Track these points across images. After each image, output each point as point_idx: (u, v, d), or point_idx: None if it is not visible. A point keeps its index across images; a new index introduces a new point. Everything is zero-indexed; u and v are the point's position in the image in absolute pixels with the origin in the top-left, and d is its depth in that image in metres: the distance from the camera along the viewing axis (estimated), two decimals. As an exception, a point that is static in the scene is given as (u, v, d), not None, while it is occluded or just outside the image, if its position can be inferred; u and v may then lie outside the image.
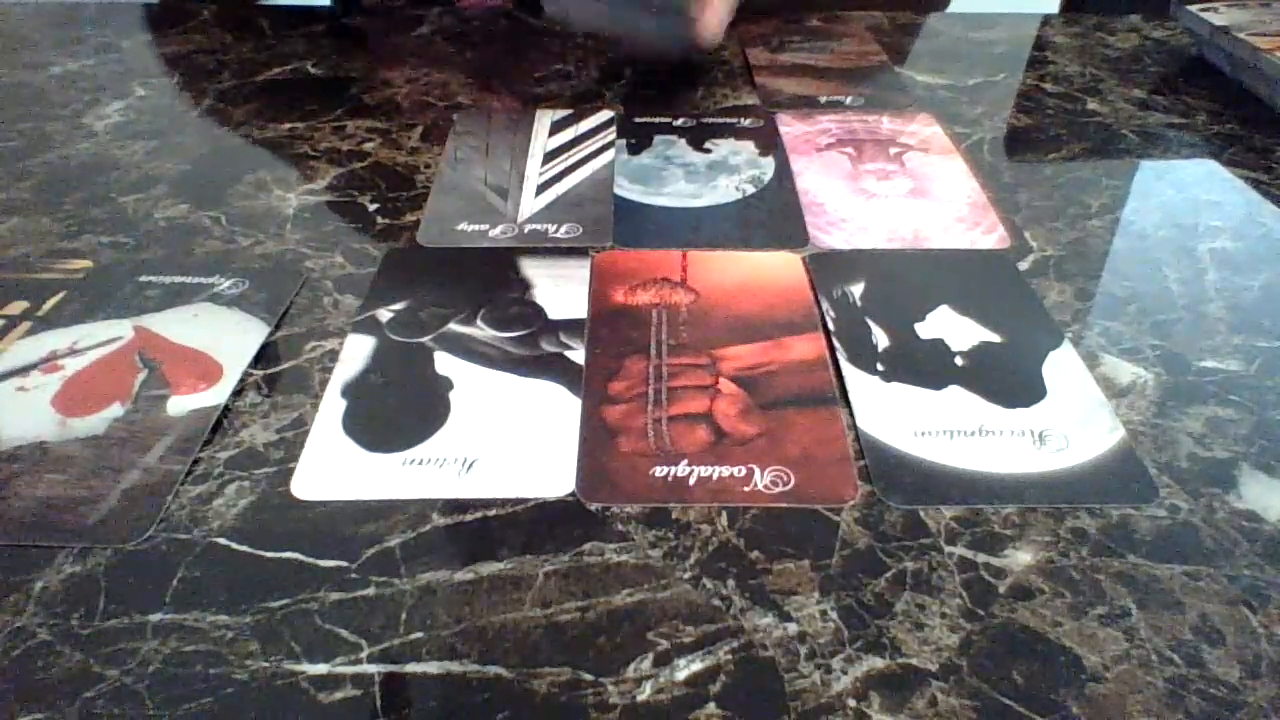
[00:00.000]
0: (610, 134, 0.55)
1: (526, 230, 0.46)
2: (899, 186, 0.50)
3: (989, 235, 0.46)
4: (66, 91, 0.62)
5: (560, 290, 0.41)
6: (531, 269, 0.43)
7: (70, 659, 0.26)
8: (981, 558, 0.29)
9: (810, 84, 0.63)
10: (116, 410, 0.34)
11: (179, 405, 0.35)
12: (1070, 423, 0.34)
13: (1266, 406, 0.35)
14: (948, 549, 0.29)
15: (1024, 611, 0.27)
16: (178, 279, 0.42)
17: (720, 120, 0.57)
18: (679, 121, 0.57)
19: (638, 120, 0.57)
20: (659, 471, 0.32)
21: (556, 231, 0.46)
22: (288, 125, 0.57)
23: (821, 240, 0.45)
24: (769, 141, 0.55)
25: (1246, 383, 0.37)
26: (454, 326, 0.39)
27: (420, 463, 0.32)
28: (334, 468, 0.32)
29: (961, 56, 0.69)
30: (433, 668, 0.26)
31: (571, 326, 0.39)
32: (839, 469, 0.32)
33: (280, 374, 0.37)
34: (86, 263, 0.43)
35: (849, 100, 0.60)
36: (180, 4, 0.76)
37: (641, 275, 0.42)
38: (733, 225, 0.47)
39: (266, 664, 0.26)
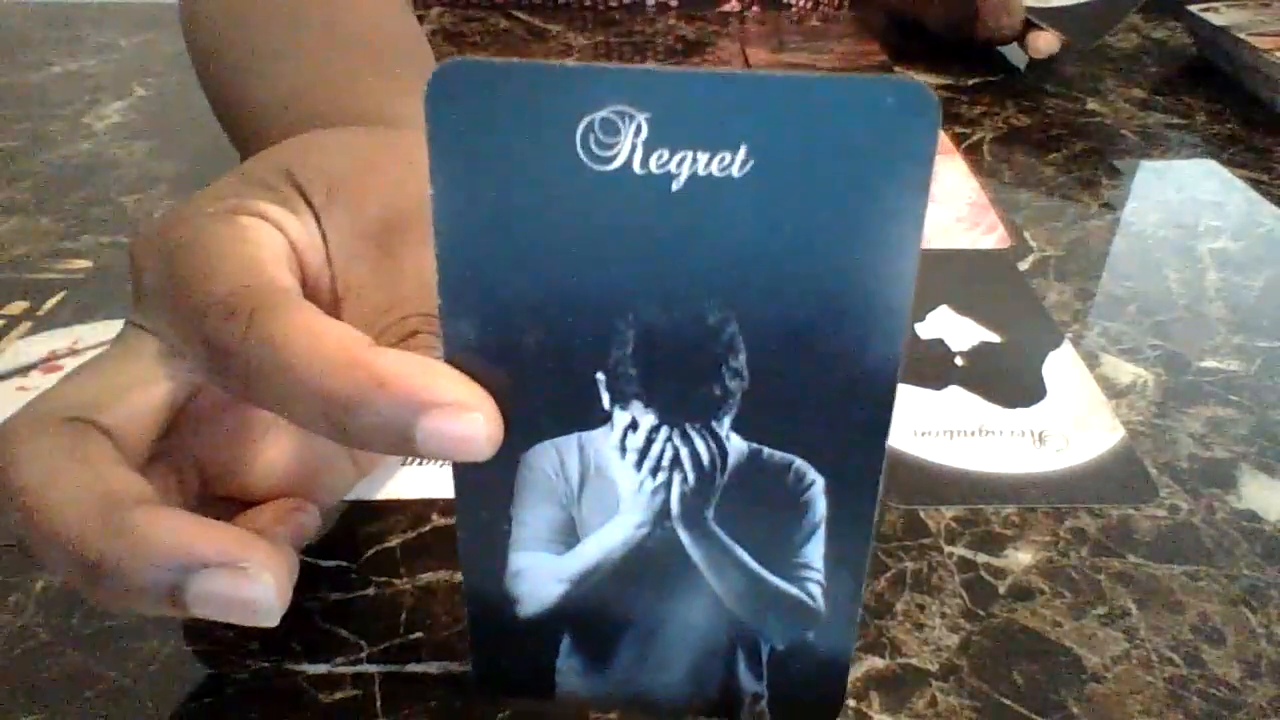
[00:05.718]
0: (610, 134, 0.55)
1: (526, 230, 0.46)
2: (899, 186, 0.50)
3: (989, 235, 0.46)
4: (66, 91, 0.62)
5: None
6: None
7: (70, 659, 0.26)
8: (981, 558, 0.29)
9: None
10: (116, 410, 0.34)
11: (179, 405, 0.35)
12: (1070, 423, 0.34)
13: (1266, 406, 0.35)
14: (948, 549, 0.29)
15: (1024, 611, 0.27)
16: (178, 279, 0.42)
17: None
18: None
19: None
20: (659, 471, 0.32)
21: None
22: (288, 125, 0.56)
23: (821, 240, 0.45)
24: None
25: (1246, 383, 0.37)
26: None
27: (420, 462, 0.32)
28: (334, 468, 0.32)
29: (961, 56, 0.69)
30: (433, 668, 0.26)
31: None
32: (839, 469, 0.32)
33: (280, 374, 0.37)
34: (86, 263, 0.43)
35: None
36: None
37: (641, 275, 0.42)
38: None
39: (266, 664, 0.26)
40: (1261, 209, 0.49)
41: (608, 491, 0.21)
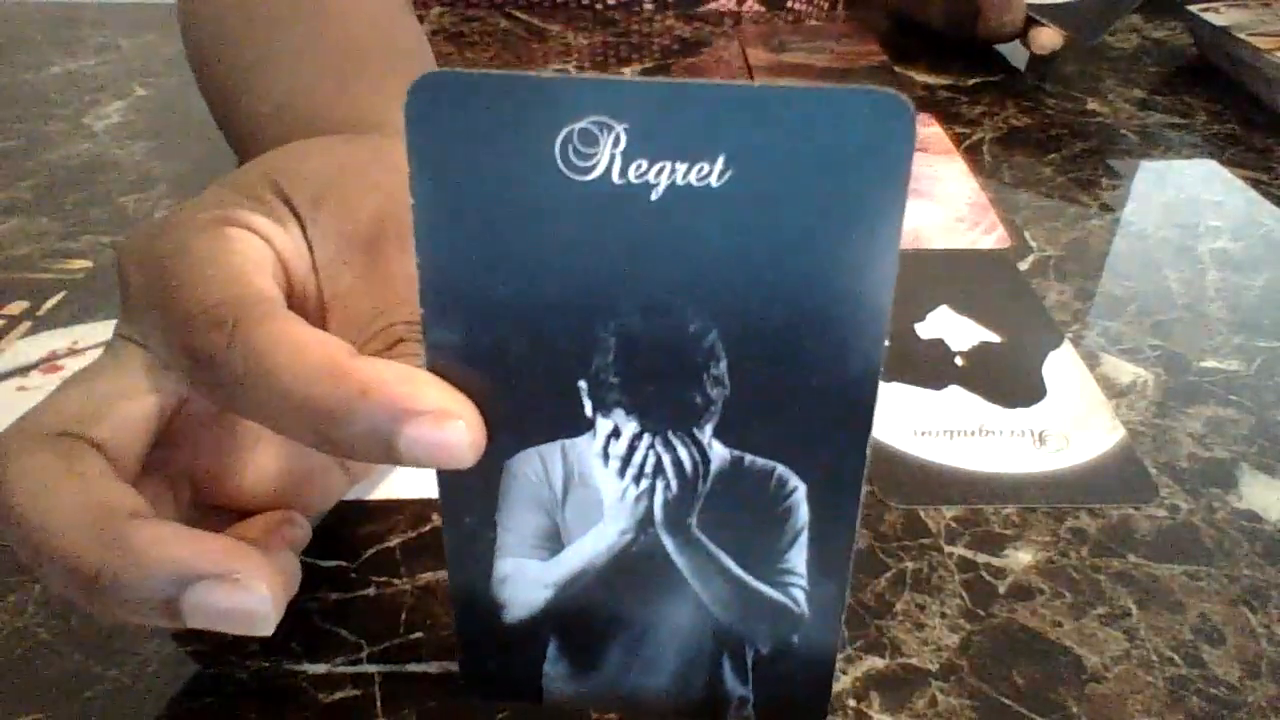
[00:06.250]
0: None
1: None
2: (899, 186, 0.50)
3: (989, 235, 0.46)
4: (66, 91, 0.62)
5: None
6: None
7: (70, 659, 0.26)
8: (981, 558, 0.29)
9: (811, 85, 0.63)
10: (116, 410, 0.34)
11: (179, 405, 0.35)
12: (1070, 423, 0.34)
13: (1266, 406, 0.35)
14: (948, 549, 0.29)
15: (1024, 611, 0.27)
16: (178, 279, 0.42)
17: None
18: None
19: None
20: (659, 471, 0.32)
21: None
22: (288, 125, 0.56)
23: (821, 240, 0.45)
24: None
25: (1246, 383, 0.37)
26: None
27: (420, 463, 0.32)
28: (334, 468, 0.32)
29: (961, 56, 0.69)
30: (433, 668, 0.26)
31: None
32: (839, 469, 0.32)
33: (280, 374, 0.37)
34: (86, 263, 0.43)
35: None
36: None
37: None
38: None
39: (266, 664, 0.26)
40: (1261, 209, 0.49)
41: (591, 498, 0.21)
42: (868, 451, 0.20)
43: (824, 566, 0.21)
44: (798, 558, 0.21)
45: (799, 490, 0.20)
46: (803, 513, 0.20)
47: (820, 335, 0.19)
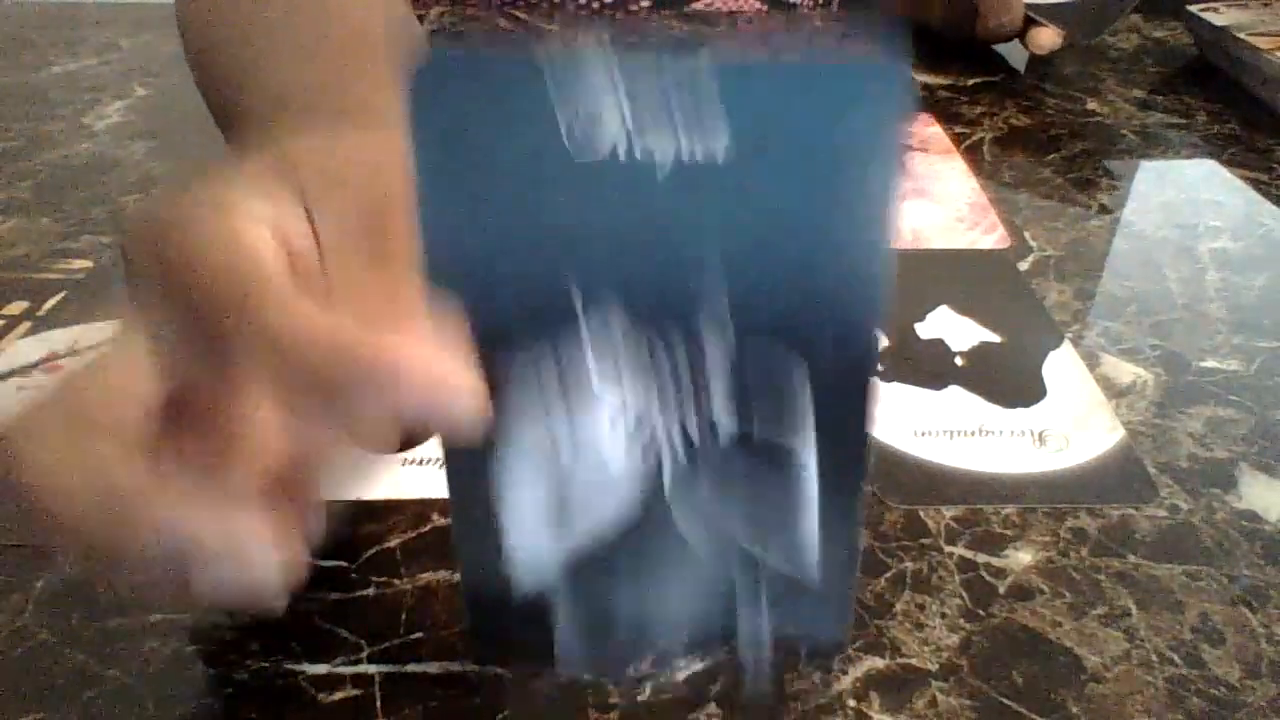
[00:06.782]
0: (610, 134, 0.55)
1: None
2: (899, 186, 0.50)
3: (989, 235, 0.46)
4: (66, 91, 0.62)
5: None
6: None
7: (70, 659, 0.26)
8: (981, 558, 0.29)
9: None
10: (116, 410, 0.34)
11: (179, 405, 0.35)
12: (1070, 423, 0.34)
13: (1266, 406, 0.35)
14: (948, 549, 0.29)
15: (1024, 611, 0.27)
16: (178, 279, 0.42)
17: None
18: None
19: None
20: (659, 471, 0.32)
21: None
22: (288, 125, 0.56)
23: (821, 240, 0.45)
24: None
25: (1246, 383, 0.37)
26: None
27: (420, 463, 0.32)
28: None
29: (961, 56, 0.69)
30: (433, 668, 0.26)
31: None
32: (839, 469, 0.32)
33: (280, 374, 0.37)
34: (86, 263, 0.43)
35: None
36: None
37: (641, 275, 0.42)
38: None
39: (266, 664, 0.26)
40: (1261, 209, 0.49)
41: (600, 471, 0.21)
42: (873, 415, 0.20)
43: (833, 538, 0.21)
44: (807, 529, 0.21)
45: (806, 461, 0.20)
46: (811, 484, 0.21)
47: (823, 303, 0.19)
